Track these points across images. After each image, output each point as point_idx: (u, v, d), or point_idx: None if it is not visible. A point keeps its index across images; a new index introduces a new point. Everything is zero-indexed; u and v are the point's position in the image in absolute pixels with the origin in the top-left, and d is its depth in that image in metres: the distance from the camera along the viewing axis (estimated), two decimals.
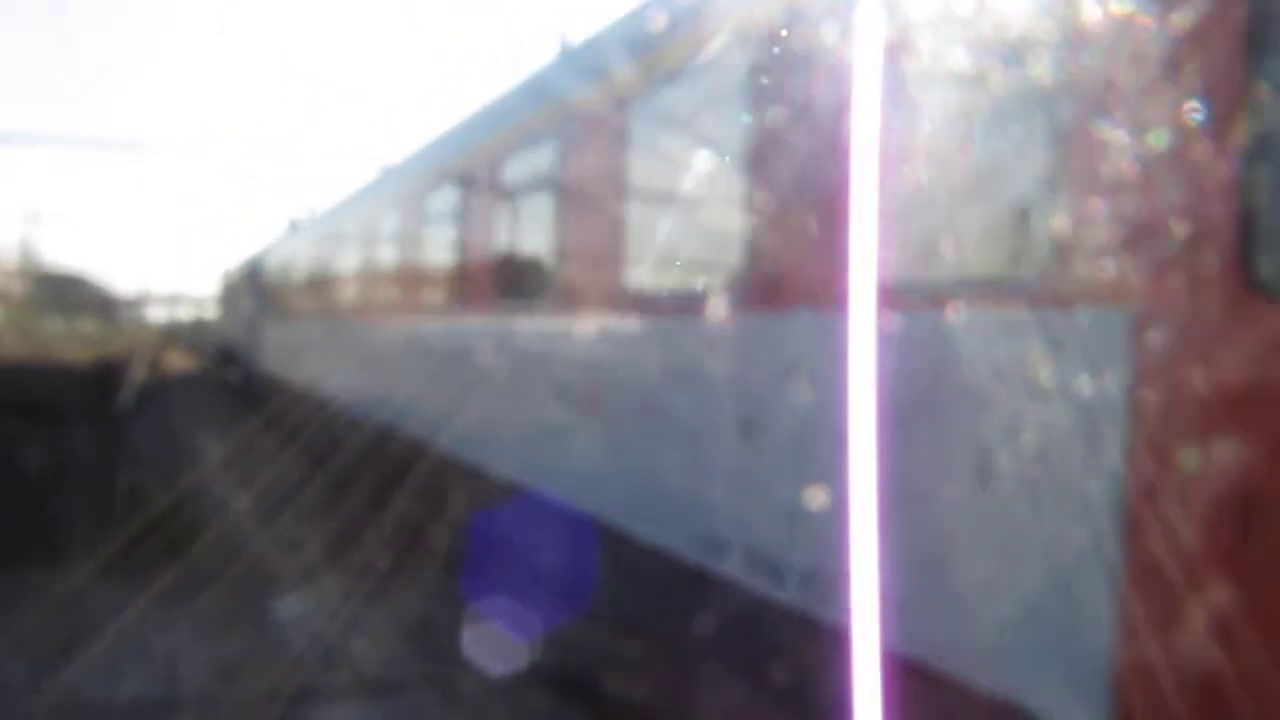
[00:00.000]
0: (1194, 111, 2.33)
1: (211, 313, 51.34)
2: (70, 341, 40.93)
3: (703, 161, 4.51)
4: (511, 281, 6.85)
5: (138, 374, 24.59)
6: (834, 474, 3.35)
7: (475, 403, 6.98)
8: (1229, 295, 2.32)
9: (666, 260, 4.79)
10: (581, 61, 6.30)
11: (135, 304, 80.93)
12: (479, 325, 7.31)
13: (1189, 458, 2.32)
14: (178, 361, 37.97)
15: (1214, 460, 2.29)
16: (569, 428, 5.52)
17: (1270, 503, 2.22)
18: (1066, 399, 2.65)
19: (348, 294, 12.93)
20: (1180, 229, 2.41)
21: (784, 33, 4.00)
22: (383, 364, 10.36)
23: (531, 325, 6.37)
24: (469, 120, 8.77)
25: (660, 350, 4.74)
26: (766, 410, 3.90)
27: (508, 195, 7.03)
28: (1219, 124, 2.35)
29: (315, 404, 12.60)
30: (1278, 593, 2.16)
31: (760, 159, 4.05)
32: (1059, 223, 2.74)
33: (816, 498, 3.50)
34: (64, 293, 67.09)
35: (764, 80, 3.87)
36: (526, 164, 6.75)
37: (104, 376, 21.88)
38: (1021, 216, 3.00)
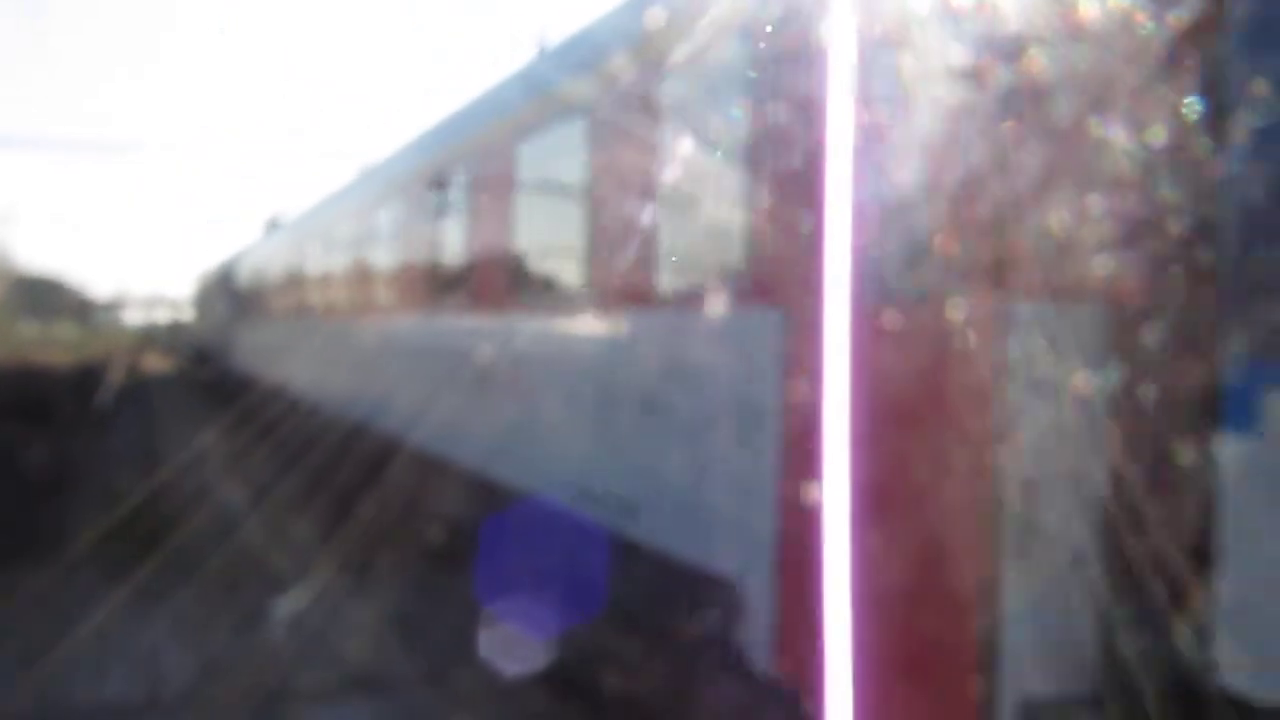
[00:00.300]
0: (813, 150, 3.21)
1: (189, 315, 51.62)
2: (46, 345, 40.96)
3: (597, 184, 5.18)
4: (444, 284, 7.56)
5: (115, 377, 24.92)
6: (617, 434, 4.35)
7: (420, 392, 7.60)
8: (851, 300, 3.27)
9: (575, 264, 5.44)
10: (528, 81, 6.92)
11: (112, 307, 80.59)
12: (419, 323, 8.09)
13: (818, 403, 3.31)
14: (155, 363, 37.86)
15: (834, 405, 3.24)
16: (498, 412, 6.15)
17: (867, 427, 3.06)
18: (748, 367, 3.87)
19: (312, 296, 13.59)
20: (817, 246, 3.17)
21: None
22: (339, 360, 11.04)
23: (466, 323, 7.02)
24: (414, 140, 9.48)
25: (570, 343, 5.39)
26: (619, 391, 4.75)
27: (441, 207, 7.72)
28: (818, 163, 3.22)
29: (283, 399, 13.20)
30: (872, 484, 3.11)
31: (643, 186, 4.75)
32: (741, 238, 3.72)
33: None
34: (39, 296, 66.75)
35: (642, 116, 4.57)
36: (463, 175, 7.39)
37: (81, 380, 22.29)
38: (713, 234, 3.88)
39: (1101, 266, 2.57)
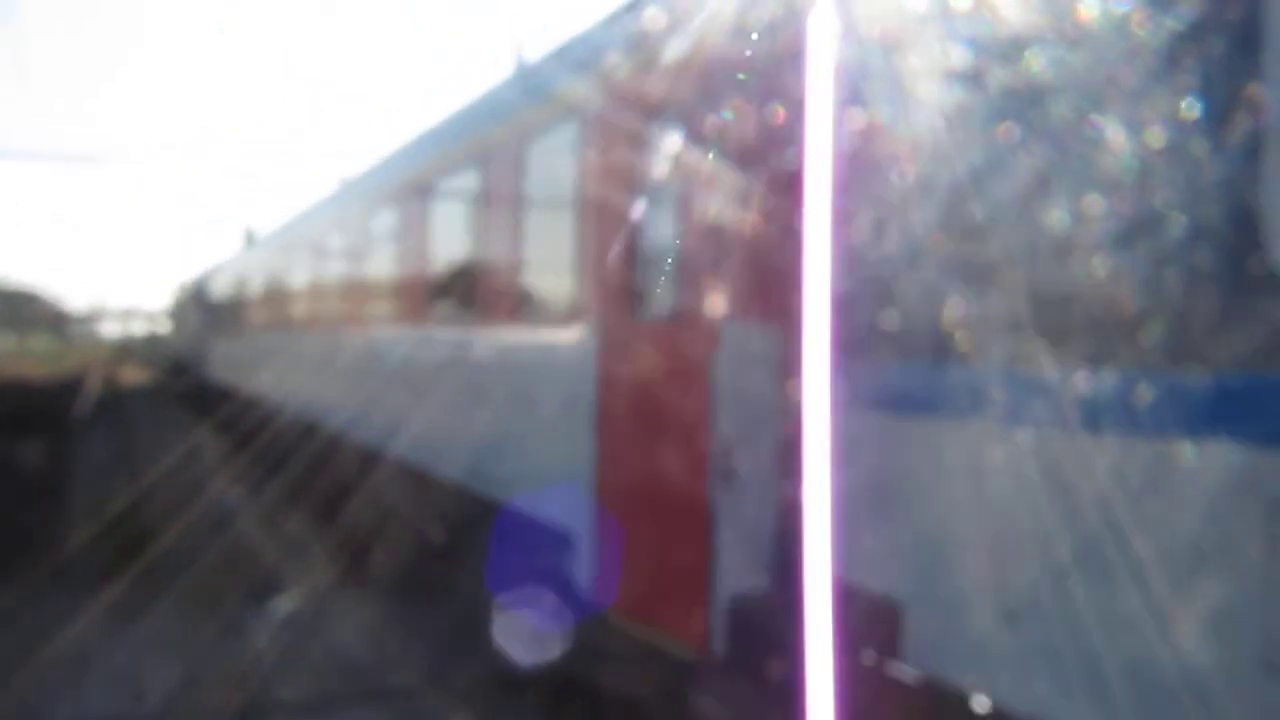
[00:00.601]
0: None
1: (166, 327, 52.28)
2: (21, 358, 41.36)
3: (480, 230, 6.49)
4: (375, 301, 8.90)
5: (91, 390, 25.69)
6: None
7: (362, 396, 8.82)
8: (626, 320, 4.57)
9: (468, 289, 6.74)
10: (429, 137, 8.32)
11: (89, 319, 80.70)
12: (360, 336, 9.39)
13: (613, 391, 4.59)
14: (132, 375, 38.13)
15: (622, 391, 4.56)
16: (419, 411, 7.36)
17: (634, 415, 4.44)
18: (576, 368, 5.01)
19: (276, 310, 14.89)
20: (608, 288, 4.38)
21: None
22: (297, 369, 12.32)
23: (394, 334, 8.30)
24: (350, 180, 10.92)
25: (463, 353, 6.65)
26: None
27: (365, 239, 9.13)
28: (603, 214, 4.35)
29: (247, 404, 14.42)
30: (636, 463, 4.39)
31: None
32: (563, 280, 4.78)
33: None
34: (14, 308, 66.79)
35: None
36: (386, 211, 8.76)
37: (57, 394, 22.98)
38: (548, 276, 5.00)
39: (767, 297, 3.77)
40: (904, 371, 3.32)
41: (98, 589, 7.00)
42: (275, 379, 13.70)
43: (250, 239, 23.91)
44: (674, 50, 4.31)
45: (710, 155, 3.97)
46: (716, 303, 3.91)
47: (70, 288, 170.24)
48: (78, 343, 68.66)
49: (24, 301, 69.74)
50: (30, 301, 71.48)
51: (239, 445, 12.47)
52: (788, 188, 3.58)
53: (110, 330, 79.95)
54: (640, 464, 4.39)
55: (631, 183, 4.66)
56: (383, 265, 8.96)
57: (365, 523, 7.01)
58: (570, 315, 5.22)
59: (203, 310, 26.52)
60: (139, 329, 74.22)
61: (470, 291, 6.74)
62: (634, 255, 4.59)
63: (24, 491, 10.90)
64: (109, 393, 27.21)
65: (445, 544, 6.51)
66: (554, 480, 5.21)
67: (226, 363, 20.34)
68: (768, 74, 3.77)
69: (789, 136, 3.65)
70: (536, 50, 7.02)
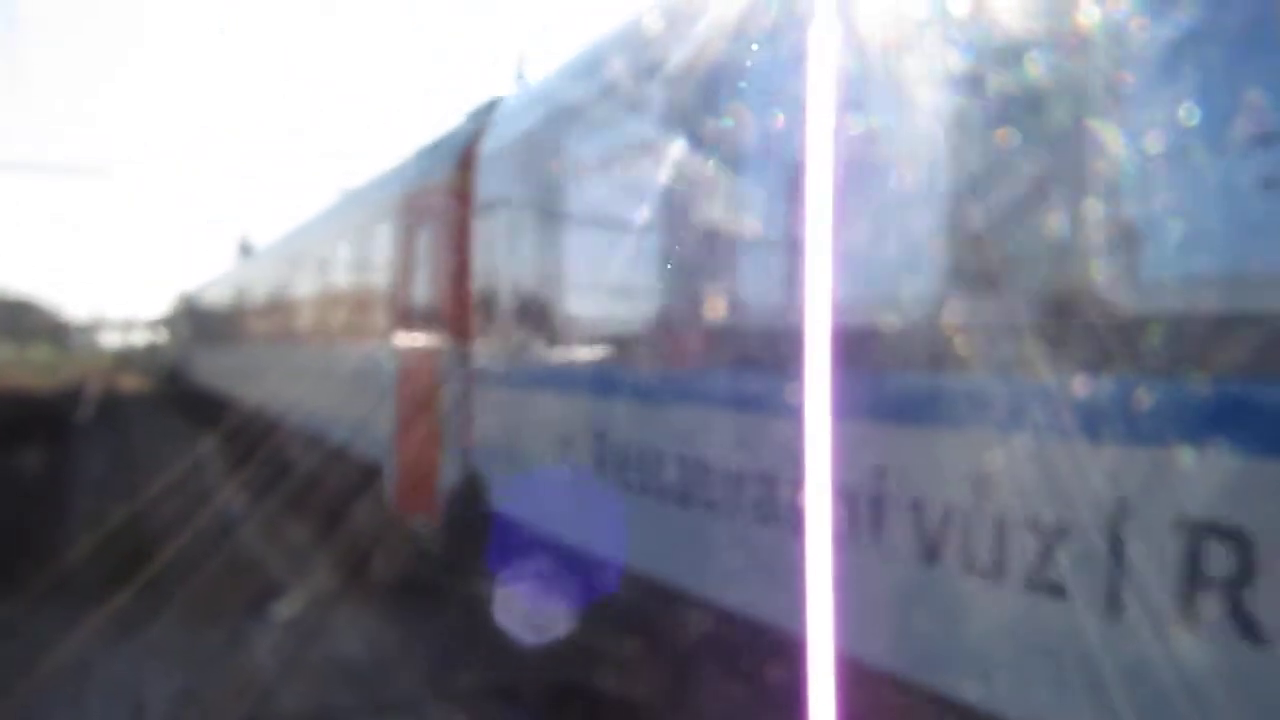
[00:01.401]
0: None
1: (163, 337, 54.70)
2: (20, 368, 42.66)
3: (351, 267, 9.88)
4: (296, 322, 12.79)
5: (90, 399, 28.03)
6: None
7: (295, 392, 12.32)
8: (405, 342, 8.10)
9: (341, 317, 10.17)
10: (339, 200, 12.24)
11: (88, 329, 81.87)
12: (295, 348, 13.35)
13: (402, 381, 7.68)
14: (130, 383, 39.79)
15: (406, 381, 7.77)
16: (324, 399, 10.74)
17: (411, 398, 8.00)
18: (387, 372, 8.24)
19: (239, 326, 20.40)
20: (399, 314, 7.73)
21: None
22: (251, 374, 17.32)
23: (308, 347, 11.83)
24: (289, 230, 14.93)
25: (342, 360, 10.07)
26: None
27: (293, 275, 12.73)
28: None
29: (220, 399, 19.34)
30: (410, 425, 7.98)
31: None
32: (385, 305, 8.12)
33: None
34: (14, 318, 67.89)
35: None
36: (307, 255, 12.49)
37: (57, 403, 25.14)
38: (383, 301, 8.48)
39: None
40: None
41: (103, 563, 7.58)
42: (240, 382, 18.26)
43: (245, 249, 28.23)
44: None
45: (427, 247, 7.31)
46: (437, 330, 7.20)
47: (70, 298, 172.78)
48: (77, 353, 68.95)
49: (23, 311, 70.94)
50: (30, 311, 72.66)
51: (215, 431, 16.21)
52: (459, 244, 6.81)
53: (110, 340, 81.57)
54: (412, 421, 7.66)
55: (409, 261, 7.96)
56: (293, 301, 14.18)
57: (283, 459, 10.56)
58: (387, 335, 8.54)
59: (190, 324, 30.79)
60: (139, 339, 75.57)
61: (337, 316, 10.45)
62: (409, 300, 7.92)
63: (23, 496, 11.87)
64: (108, 399, 29.63)
65: (316, 474, 10.07)
66: (377, 435, 8.46)
67: (211, 371, 24.06)
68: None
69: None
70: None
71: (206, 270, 33.75)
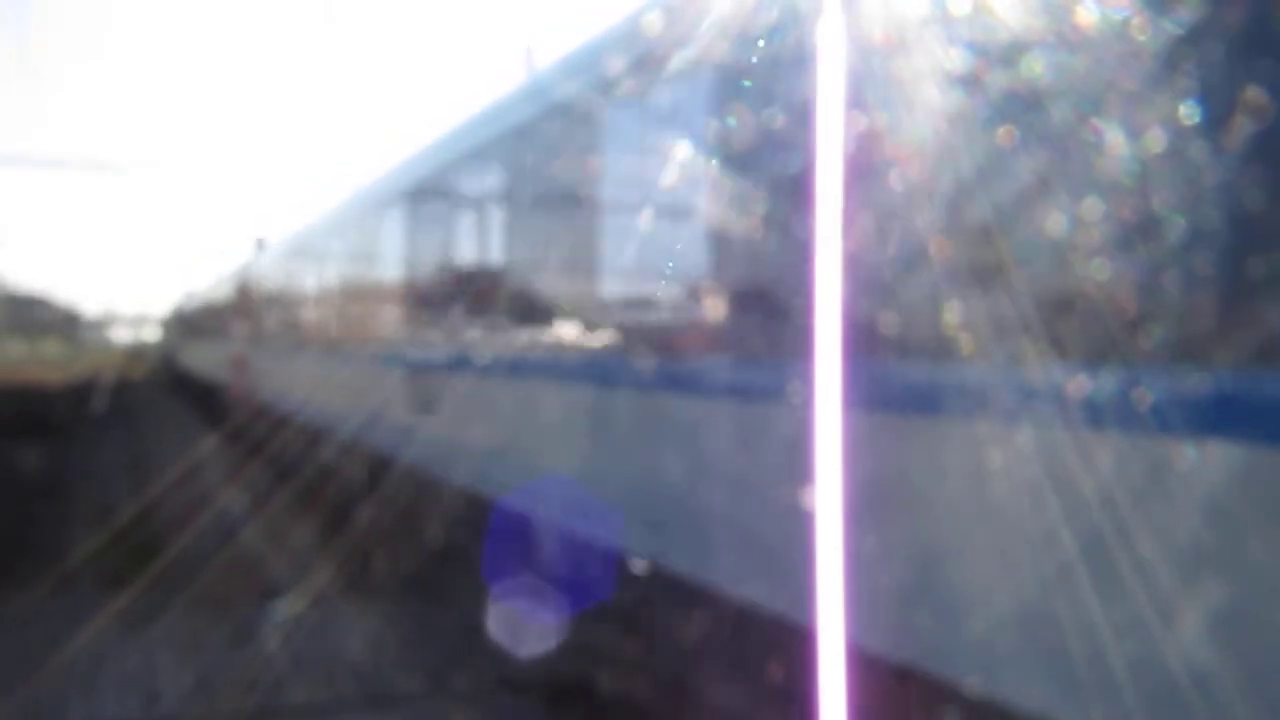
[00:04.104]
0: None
1: (166, 332, 58.48)
2: (31, 364, 43.80)
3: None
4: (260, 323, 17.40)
5: (102, 390, 29.80)
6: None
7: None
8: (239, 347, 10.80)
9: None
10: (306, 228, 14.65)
11: (99, 324, 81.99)
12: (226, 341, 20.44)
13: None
14: (136, 371, 46.02)
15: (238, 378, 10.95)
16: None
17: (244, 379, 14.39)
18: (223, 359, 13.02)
19: (206, 324, 28.32)
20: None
21: None
22: (207, 360, 26.07)
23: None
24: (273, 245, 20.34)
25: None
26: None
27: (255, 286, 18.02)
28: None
29: (189, 376, 30.65)
30: (245, 389, 14.34)
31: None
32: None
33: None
34: (25, 314, 67.93)
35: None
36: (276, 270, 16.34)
37: (69, 397, 26.39)
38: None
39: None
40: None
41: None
42: (202, 365, 28.09)
43: (261, 245, 32.99)
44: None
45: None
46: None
47: (83, 293, 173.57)
48: (88, 348, 69.40)
49: (34, 307, 71.05)
50: (41, 306, 72.90)
51: (185, 395, 28.40)
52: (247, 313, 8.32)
53: (121, 335, 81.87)
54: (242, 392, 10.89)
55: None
56: (204, 322, 21.14)
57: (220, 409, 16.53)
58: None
59: (181, 321, 41.24)
60: (149, 334, 76.07)
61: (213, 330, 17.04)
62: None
63: (31, 491, 12.23)
64: (119, 384, 34.74)
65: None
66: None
67: (192, 355, 33.40)
68: None
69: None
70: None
71: (218, 267, 39.93)
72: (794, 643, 3.49)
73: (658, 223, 4.76)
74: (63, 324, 74.85)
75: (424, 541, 7.01)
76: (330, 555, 8.08)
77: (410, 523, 7.35)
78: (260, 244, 29.87)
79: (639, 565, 4.71)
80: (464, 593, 6.30)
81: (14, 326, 63.00)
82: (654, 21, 4.83)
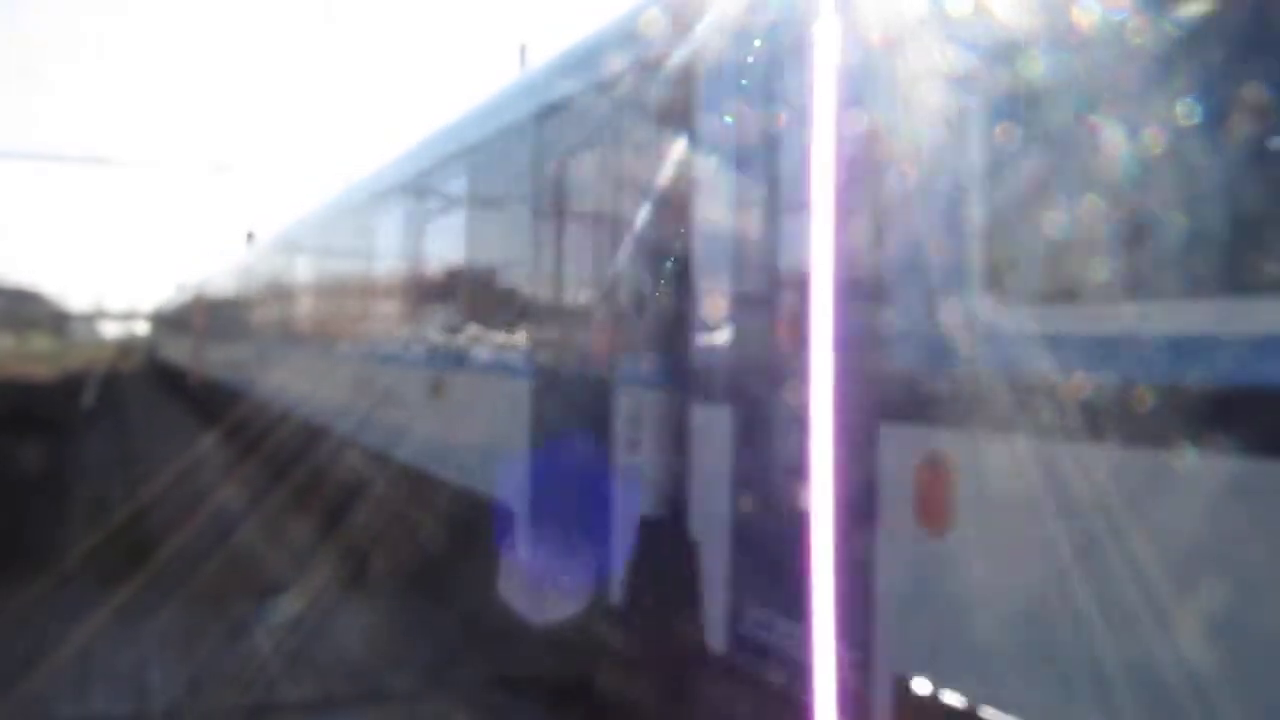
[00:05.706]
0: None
1: (156, 328, 59.36)
2: (21, 358, 43.88)
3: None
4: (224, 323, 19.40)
5: (90, 388, 30.16)
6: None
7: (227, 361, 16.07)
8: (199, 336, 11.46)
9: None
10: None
11: (89, 319, 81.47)
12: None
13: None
14: (124, 363, 50.57)
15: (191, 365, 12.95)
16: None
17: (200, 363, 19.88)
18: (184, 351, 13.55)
19: (183, 321, 31.13)
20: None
21: None
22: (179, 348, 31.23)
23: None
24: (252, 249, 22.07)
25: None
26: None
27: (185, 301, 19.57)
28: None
29: (166, 366, 37.06)
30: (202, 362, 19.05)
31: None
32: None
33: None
34: (15, 308, 67.35)
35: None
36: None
37: (60, 391, 26.52)
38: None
39: None
40: None
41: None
42: (174, 356, 33.57)
43: (251, 239, 33.97)
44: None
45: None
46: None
47: (72, 288, 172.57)
48: (78, 342, 69.27)
49: (24, 301, 70.39)
50: (31, 301, 72.27)
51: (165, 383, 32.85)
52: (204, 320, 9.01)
53: (110, 330, 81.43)
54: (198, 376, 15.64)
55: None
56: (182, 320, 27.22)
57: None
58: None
59: (162, 319, 46.50)
60: (139, 329, 75.55)
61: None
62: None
63: (25, 486, 12.02)
64: (107, 376, 38.51)
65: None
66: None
67: (168, 348, 39.32)
68: None
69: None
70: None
71: (208, 262, 41.87)
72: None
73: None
74: (52, 318, 74.36)
75: (355, 497, 8.63)
76: (285, 519, 9.97)
77: (354, 489, 8.88)
78: (250, 238, 30.37)
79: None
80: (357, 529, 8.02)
81: (3, 320, 62.63)
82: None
